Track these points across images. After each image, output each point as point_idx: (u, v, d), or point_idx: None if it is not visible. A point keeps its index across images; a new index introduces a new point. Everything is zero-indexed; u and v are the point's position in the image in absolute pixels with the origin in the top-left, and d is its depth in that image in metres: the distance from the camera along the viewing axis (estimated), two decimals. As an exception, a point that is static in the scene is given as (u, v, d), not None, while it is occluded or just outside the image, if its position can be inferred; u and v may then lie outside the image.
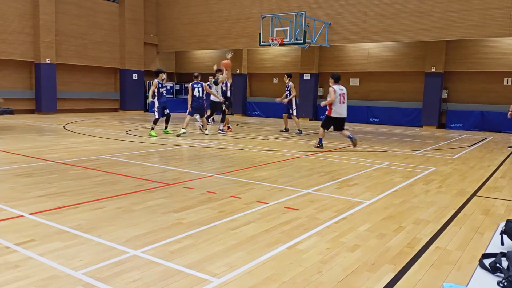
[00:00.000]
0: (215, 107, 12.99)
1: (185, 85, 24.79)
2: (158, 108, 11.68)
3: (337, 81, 9.81)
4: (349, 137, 9.82)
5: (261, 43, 16.87)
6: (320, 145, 10.09)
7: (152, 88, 11.56)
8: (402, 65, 18.68)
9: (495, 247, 2.17)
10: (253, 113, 22.38)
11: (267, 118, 20.61)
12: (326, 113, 9.91)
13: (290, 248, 3.53)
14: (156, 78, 11.63)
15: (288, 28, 16.05)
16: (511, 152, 10.36)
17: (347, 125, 14.18)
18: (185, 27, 22.13)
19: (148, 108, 22.32)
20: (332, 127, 10.02)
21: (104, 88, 21.99)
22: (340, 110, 9.75)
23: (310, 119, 20.04)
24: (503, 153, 10.17)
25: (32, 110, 18.93)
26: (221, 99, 12.86)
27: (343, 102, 9.74)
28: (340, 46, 19.72)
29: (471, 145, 11.70)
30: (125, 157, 7.93)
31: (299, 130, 13.46)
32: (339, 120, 9.88)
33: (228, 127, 13.54)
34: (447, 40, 16.71)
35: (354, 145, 9.87)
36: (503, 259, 1.92)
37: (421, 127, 17.89)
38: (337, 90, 9.63)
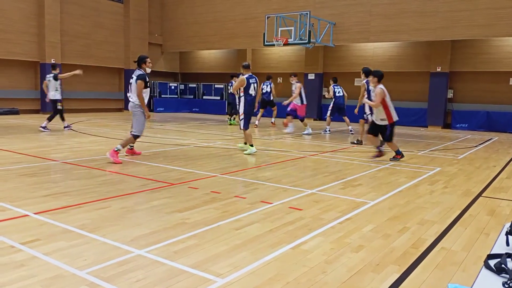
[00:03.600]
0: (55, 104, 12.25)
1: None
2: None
3: (380, 79, 8.28)
4: (378, 147, 8.63)
5: (266, 43, 16.88)
6: (401, 155, 8.43)
7: None
8: (407, 65, 18.61)
9: (500, 248, 2.17)
10: (256, 113, 22.30)
11: (271, 118, 20.53)
12: (387, 122, 8.22)
13: (294, 248, 3.53)
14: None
15: (292, 28, 16.04)
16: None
17: (352, 125, 14.17)
18: (189, 27, 22.14)
19: (152, 108, 22.40)
20: (374, 132, 8.52)
21: (108, 88, 22.06)
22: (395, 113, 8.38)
23: (314, 119, 20.01)
24: (508, 154, 10.11)
25: (37, 110, 19.02)
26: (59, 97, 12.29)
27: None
28: (345, 46, 19.68)
29: (476, 146, 11.64)
30: (130, 157, 7.95)
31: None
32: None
33: (328, 130, 13.95)
34: (453, 40, 16.64)
35: (380, 155, 8.55)
36: (509, 260, 1.91)
37: (426, 127, 17.82)
38: (385, 89, 8.18)
